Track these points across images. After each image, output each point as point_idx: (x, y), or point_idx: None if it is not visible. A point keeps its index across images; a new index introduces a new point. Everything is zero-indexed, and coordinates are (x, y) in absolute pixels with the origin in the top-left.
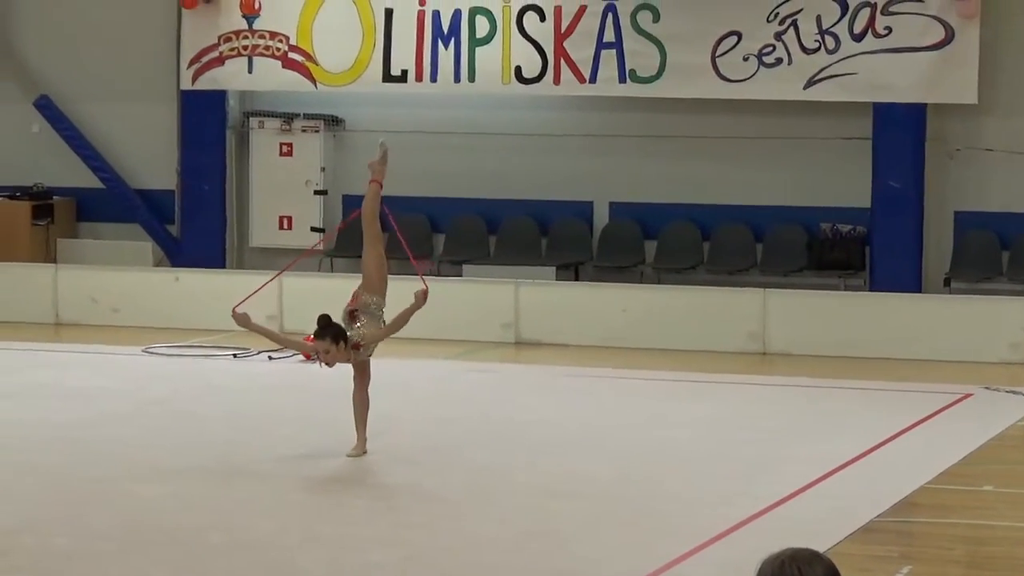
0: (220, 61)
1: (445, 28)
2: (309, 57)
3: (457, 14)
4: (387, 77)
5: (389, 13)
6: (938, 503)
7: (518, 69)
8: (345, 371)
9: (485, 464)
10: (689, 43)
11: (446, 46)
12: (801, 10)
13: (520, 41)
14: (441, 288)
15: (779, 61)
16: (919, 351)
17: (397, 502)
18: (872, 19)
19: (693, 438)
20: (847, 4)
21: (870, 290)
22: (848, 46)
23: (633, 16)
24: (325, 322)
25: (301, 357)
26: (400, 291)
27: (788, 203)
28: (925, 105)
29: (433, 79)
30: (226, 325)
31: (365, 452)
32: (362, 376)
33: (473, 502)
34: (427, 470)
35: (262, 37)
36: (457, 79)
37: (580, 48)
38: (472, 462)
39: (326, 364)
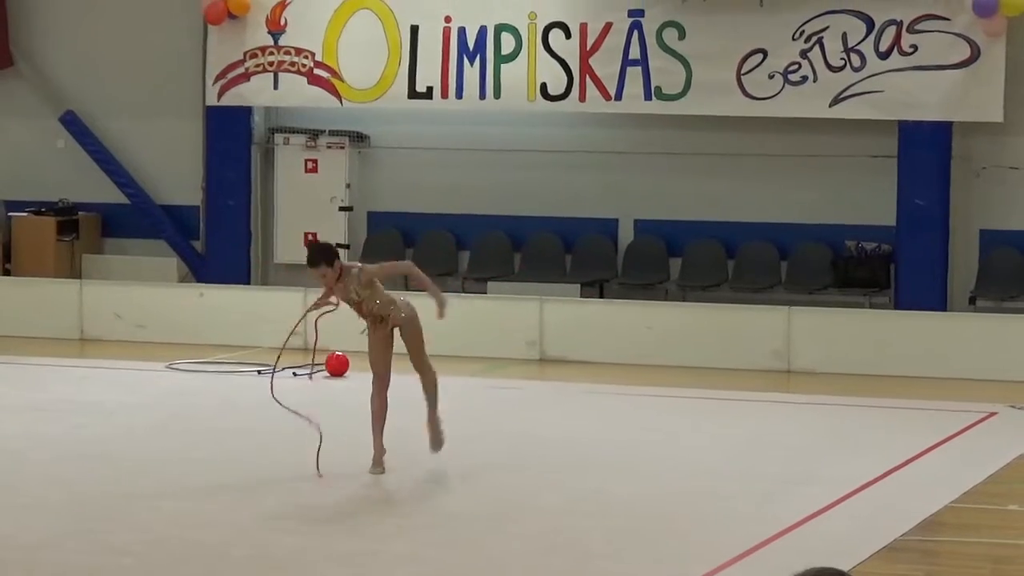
0: (246, 77)
1: (471, 45)
2: (334, 73)
3: (483, 31)
4: (412, 94)
5: (415, 30)
6: (963, 522)
7: (543, 86)
8: (368, 389)
9: (508, 481)
10: (714, 60)
11: (471, 63)
12: (827, 28)
13: (545, 58)
14: (466, 305)
15: (804, 79)
16: (944, 369)
17: (419, 520)
18: (898, 37)
19: (717, 456)
20: (873, 22)
21: (895, 308)
22: (874, 64)
23: (659, 33)
24: (314, 249)
25: (327, 373)
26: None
27: (813, 221)
28: (951, 123)
29: (458, 96)
30: (250, 341)
31: (384, 455)
32: (381, 381)
33: (496, 519)
34: (450, 487)
35: (288, 53)
36: (483, 96)
37: (606, 65)
38: (495, 479)
39: (332, 301)
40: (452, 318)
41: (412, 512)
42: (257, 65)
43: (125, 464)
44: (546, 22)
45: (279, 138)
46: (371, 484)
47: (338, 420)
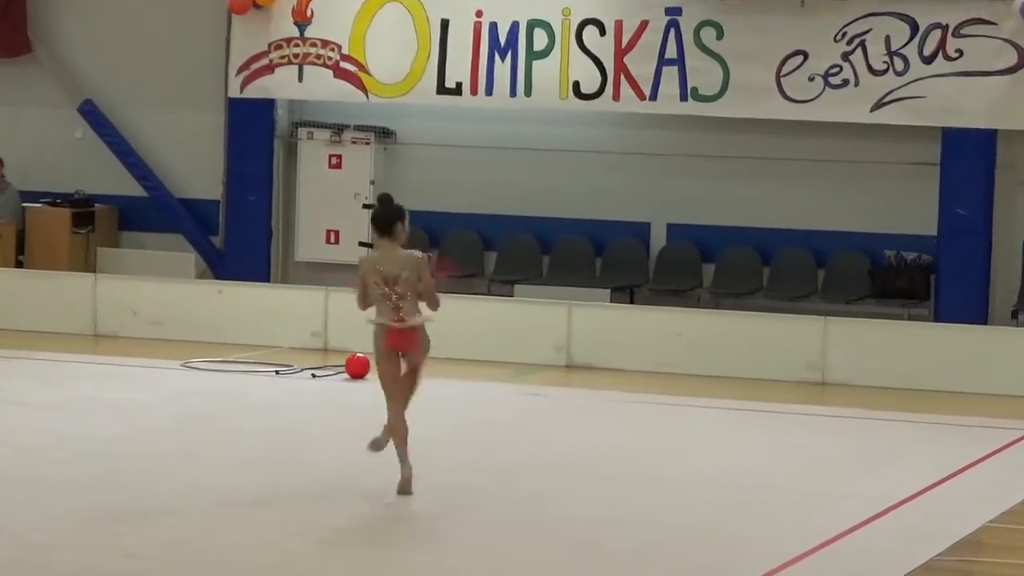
0: (270, 69)
1: (502, 40)
2: (361, 67)
3: (515, 27)
4: (441, 89)
5: (445, 24)
6: (1001, 543)
7: (576, 84)
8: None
9: (533, 491)
10: (753, 62)
11: (503, 59)
12: (869, 30)
13: (579, 55)
14: (492, 308)
15: (846, 82)
16: (984, 384)
17: (440, 526)
18: (943, 41)
19: (747, 469)
20: (917, 25)
21: (934, 320)
22: (917, 68)
23: (696, 32)
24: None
25: (345, 375)
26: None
27: (851, 229)
28: (995, 131)
29: (488, 92)
30: (269, 341)
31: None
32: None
33: (521, 529)
34: (473, 496)
35: (313, 45)
36: (513, 93)
37: (641, 64)
38: (520, 488)
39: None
40: (478, 322)
41: (433, 520)
42: (282, 57)
43: (140, 465)
44: (580, 19)
45: (303, 132)
46: (391, 490)
47: (358, 423)
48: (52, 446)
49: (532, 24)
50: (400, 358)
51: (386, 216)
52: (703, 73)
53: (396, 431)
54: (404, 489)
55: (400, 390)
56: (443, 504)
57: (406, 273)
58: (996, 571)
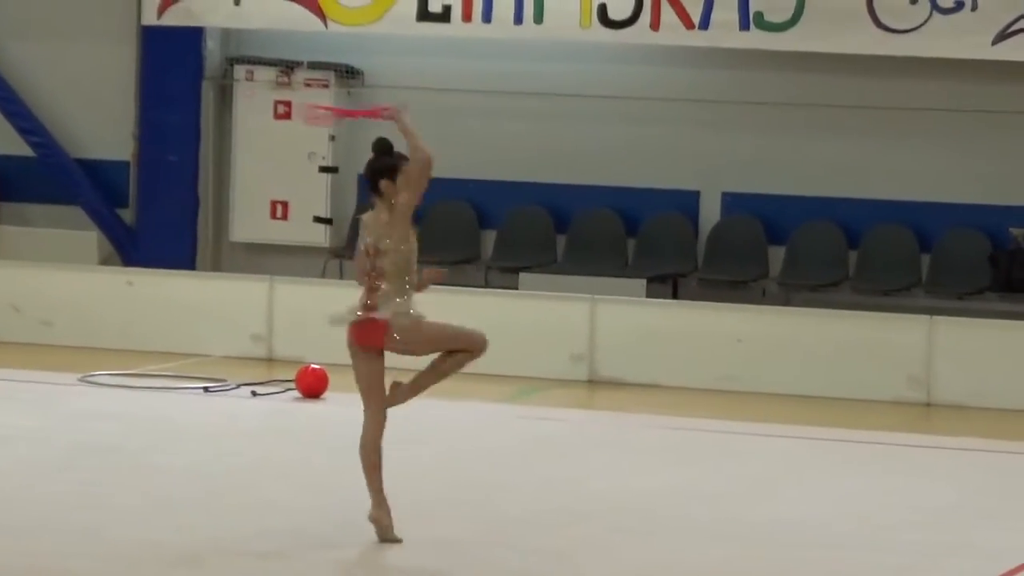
0: None
1: None
2: None
3: None
4: (423, 15)
5: None
6: None
7: (602, 8)
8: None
9: (548, 547)
10: None
11: None
12: None
13: None
14: (490, 304)
15: (960, 5)
16: None
17: None
18: None
19: (830, 519)
20: None
21: None
22: None
23: None
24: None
25: (296, 393)
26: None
27: (966, 200)
28: None
29: (486, 19)
30: (194, 347)
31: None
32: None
33: None
34: (468, 554)
35: None
36: (519, 20)
37: None
38: (527, 544)
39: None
40: (471, 322)
41: None
42: None
43: (23, 512)
44: None
45: (240, 71)
46: (361, 547)
47: (314, 456)
48: None
49: None
50: (378, 355)
51: (371, 168)
52: None
53: (366, 452)
54: (386, 535)
55: (375, 395)
56: (429, 566)
57: (392, 243)
58: None
